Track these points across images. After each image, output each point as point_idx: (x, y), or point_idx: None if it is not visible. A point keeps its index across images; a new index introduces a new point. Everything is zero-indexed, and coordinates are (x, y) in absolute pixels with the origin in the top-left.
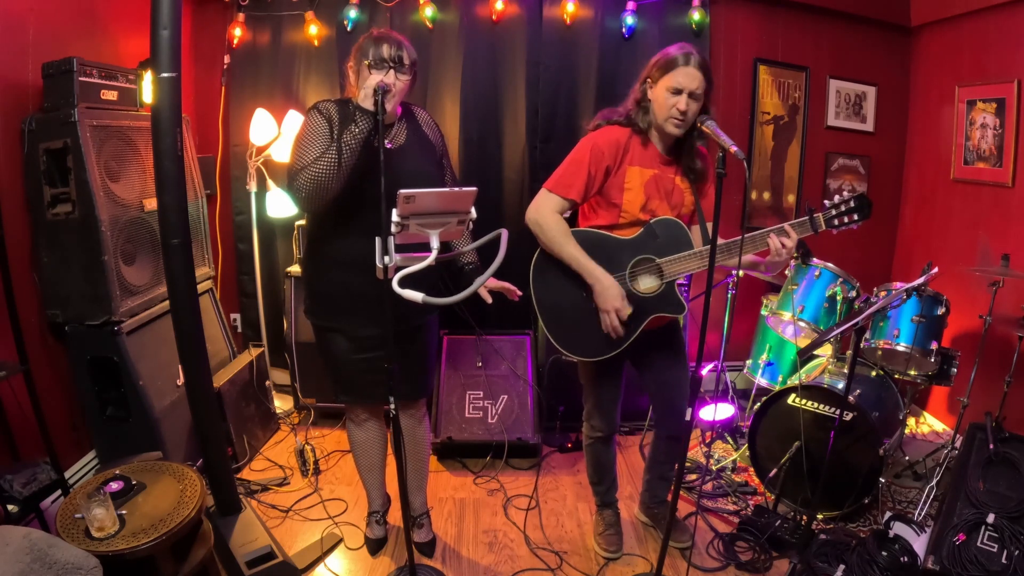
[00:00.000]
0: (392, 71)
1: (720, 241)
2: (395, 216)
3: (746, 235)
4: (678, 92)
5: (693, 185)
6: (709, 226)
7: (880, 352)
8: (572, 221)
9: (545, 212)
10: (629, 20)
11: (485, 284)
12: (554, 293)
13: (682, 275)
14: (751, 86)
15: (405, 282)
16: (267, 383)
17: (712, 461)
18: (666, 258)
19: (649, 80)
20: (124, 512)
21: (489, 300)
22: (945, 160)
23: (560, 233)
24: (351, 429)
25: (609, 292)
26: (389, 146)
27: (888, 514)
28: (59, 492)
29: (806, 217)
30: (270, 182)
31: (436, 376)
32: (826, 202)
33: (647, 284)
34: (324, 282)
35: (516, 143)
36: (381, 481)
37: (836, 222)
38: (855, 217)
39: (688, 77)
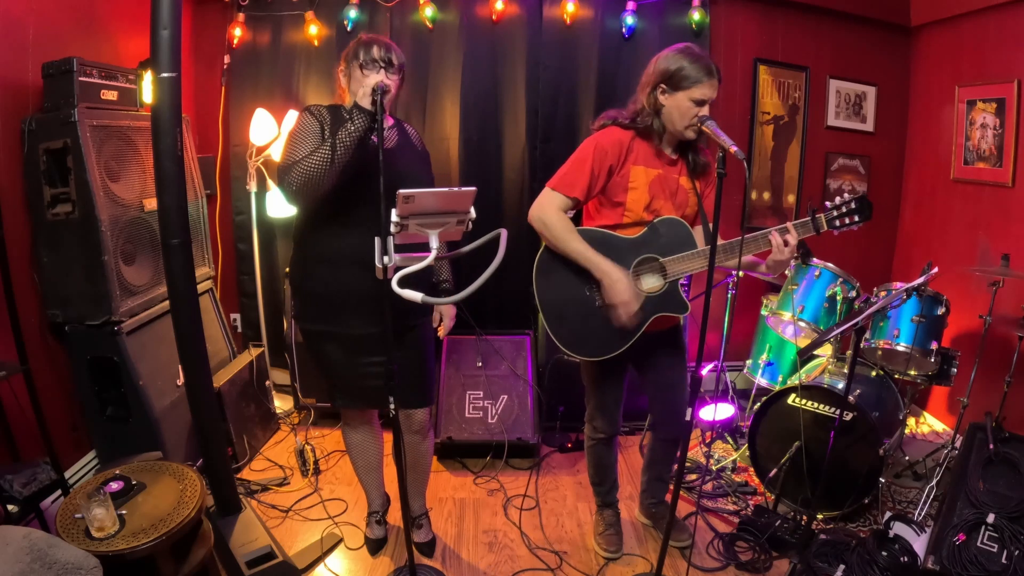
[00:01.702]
0: (383, 70)
1: (721, 241)
2: (394, 216)
3: (747, 236)
4: (702, 103)
5: (696, 185)
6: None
7: (880, 352)
8: (576, 221)
9: (549, 210)
10: (629, 20)
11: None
12: (557, 292)
13: (685, 274)
14: (751, 86)
15: (403, 282)
16: (267, 383)
17: (712, 461)
18: (669, 257)
19: (663, 87)
20: (124, 512)
21: (437, 324)
22: (945, 160)
23: (565, 229)
24: (347, 432)
25: (618, 286)
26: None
27: (888, 514)
28: (59, 492)
29: (808, 217)
30: (270, 182)
31: (437, 384)
32: (827, 203)
33: (650, 283)
34: (313, 282)
35: (516, 143)
36: (380, 482)
37: (837, 223)
38: (856, 219)
39: (712, 88)
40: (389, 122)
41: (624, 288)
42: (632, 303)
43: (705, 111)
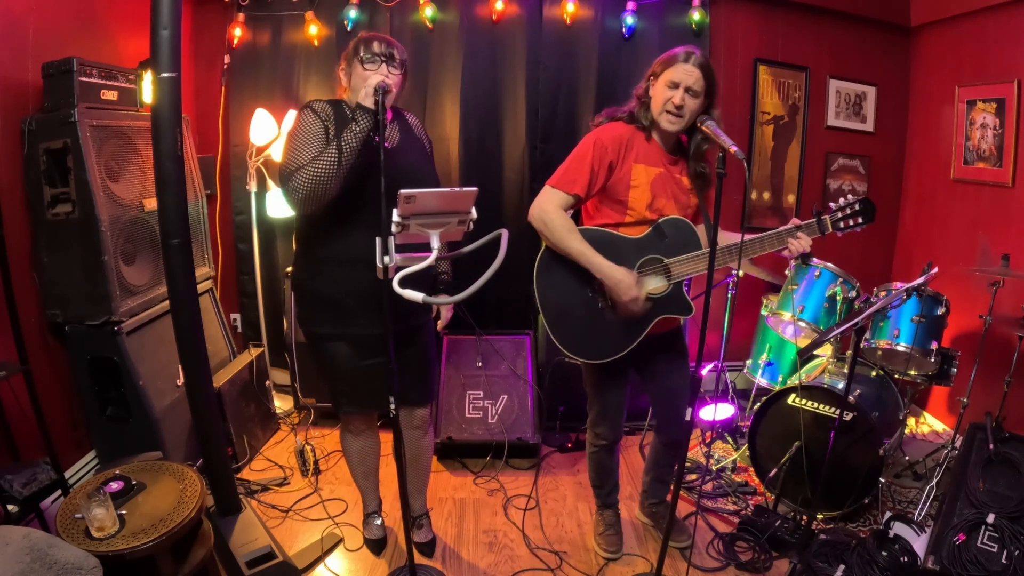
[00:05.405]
0: (384, 65)
1: (728, 243)
2: (395, 216)
3: (747, 237)
4: (675, 86)
5: (697, 186)
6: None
7: (880, 352)
8: (575, 221)
9: (549, 208)
10: (629, 20)
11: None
12: (558, 294)
13: (690, 276)
14: (751, 86)
15: (404, 282)
16: (267, 383)
17: (712, 461)
18: (674, 258)
19: (652, 77)
20: (124, 512)
21: (443, 320)
22: (945, 160)
23: (566, 229)
24: (347, 439)
25: (621, 285)
26: (387, 145)
27: (888, 514)
28: (59, 492)
29: (813, 219)
30: (270, 182)
31: (438, 381)
32: (832, 204)
33: (654, 284)
34: (319, 284)
35: (516, 143)
36: (377, 484)
37: (842, 224)
38: (860, 220)
39: (685, 72)
40: (388, 116)
41: (627, 286)
42: (639, 298)
43: (677, 97)
